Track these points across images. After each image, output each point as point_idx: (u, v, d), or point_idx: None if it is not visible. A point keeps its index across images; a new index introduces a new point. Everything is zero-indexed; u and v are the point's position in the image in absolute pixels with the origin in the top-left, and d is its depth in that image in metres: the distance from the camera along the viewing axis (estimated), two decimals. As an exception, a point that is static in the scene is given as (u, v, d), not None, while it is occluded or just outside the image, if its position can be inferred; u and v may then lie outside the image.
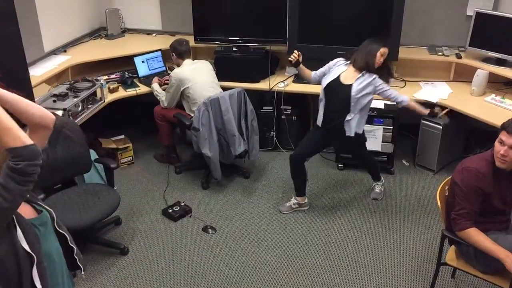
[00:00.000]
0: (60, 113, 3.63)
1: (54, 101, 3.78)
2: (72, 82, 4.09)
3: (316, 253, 3.49)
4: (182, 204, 4.02)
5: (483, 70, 4.18)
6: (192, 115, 4.10)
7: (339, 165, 4.56)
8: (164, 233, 3.76)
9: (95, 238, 3.64)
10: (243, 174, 4.45)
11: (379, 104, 4.29)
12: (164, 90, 4.36)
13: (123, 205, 3.82)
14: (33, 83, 3.58)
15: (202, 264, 3.44)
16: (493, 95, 4.16)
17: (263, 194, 4.19)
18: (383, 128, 4.28)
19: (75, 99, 3.85)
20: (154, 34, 5.23)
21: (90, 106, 4.05)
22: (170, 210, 3.95)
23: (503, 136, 2.50)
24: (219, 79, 4.33)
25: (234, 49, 4.74)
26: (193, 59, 4.39)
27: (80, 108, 3.92)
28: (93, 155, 3.87)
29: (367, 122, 4.31)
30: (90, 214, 3.24)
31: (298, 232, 3.72)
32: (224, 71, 4.54)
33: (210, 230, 3.78)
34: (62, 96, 3.82)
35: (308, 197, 3.94)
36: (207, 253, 3.54)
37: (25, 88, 3.33)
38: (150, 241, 3.67)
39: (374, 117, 4.30)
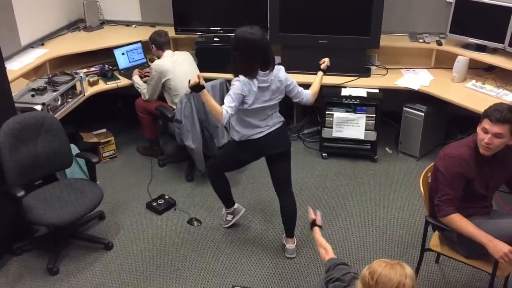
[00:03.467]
0: (39, 108, 3.56)
1: (33, 95, 3.71)
2: (50, 76, 4.01)
3: (302, 242, 3.49)
4: (167, 197, 3.99)
5: (463, 57, 4.21)
6: (174, 107, 4.06)
7: (323, 154, 4.56)
8: (149, 226, 3.73)
9: (79, 233, 3.60)
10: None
11: (361, 92, 4.30)
12: (145, 82, 4.30)
13: (107, 199, 3.78)
14: (10, 77, 3.50)
15: (188, 256, 3.42)
16: (473, 81, 4.20)
17: (248, 185, 4.18)
18: (366, 116, 4.29)
19: (54, 93, 3.78)
20: (133, 26, 5.15)
21: (70, 100, 3.99)
22: (155, 203, 3.92)
23: (486, 124, 2.52)
24: (201, 70, 4.29)
25: (215, 39, 4.70)
26: (174, 50, 4.34)
27: (59, 102, 3.85)
28: (74, 149, 3.82)
29: (350, 110, 4.35)
30: (72, 210, 3.19)
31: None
32: (205, 62, 4.50)
33: (195, 222, 3.77)
34: (40, 91, 3.75)
35: (293, 187, 3.80)
36: (193, 246, 3.52)
37: (2, 83, 3.25)
38: (134, 235, 3.64)
39: (357, 105, 4.31)
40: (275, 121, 3.17)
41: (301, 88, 3.23)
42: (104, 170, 4.33)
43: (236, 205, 3.67)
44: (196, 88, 2.86)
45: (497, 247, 2.43)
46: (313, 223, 2.65)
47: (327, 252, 2.42)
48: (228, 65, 3.06)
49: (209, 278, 3.23)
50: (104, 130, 4.61)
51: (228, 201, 3.63)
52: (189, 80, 2.88)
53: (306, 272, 3.27)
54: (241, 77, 2.95)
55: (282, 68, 3.12)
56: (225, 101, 2.94)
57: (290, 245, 3.39)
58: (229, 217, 3.68)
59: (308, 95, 3.25)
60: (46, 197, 3.29)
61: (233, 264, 3.34)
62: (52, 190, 3.36)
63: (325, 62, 3.39)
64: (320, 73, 3.37)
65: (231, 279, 3.22)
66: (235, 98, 2.92)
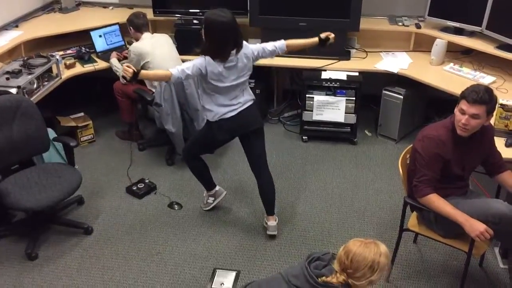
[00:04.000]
0: (14, 91, 3.48)
1: (7, 78, 3.61)
2: (25, 58, 3.91)
3: (283, 224, 3.52)
4: (147, 181, 3.97)
5: (441, 40, 4.25)
6: (154, 90, 4.02)
7: (303, 137, 4.58)
8: (129, 210, 3.70)
9: (57, 218, 3.56)
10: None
11: (341, 75, 4.31)
12: (123, 65, 4.23)
13: (85, 184, 3.73)
14: (-17, 60, 3.42)
15: (169, 240, 3.41)
16: (451, 64, 4.24)
17: (228, 169, 4.17)
18: (346, 100, 4.31)
19: (30, 76, 3.70)
20: (110, 7, 5.05)
21: (46, 83, 3.90)
22: (135, 188, 3.89)
23: (463, 105, 2.55)
24: (180, 53, 4.23)
25: (194, 21, 4.64)
26: (152, 33, 4.27)
27: (35, 86, 3.77)
28: (52, 134, 3.76)
29: (330, 94, 4.36)
30: (50, 194, 3.15)
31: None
32: (184, 44, 4.44)
33: (176, 206, 3.76)
34: (15, 73, 3.66)
35: (273, 170, 3.81)
36: (173, 229, 3.52)
37: (-26, 65, 3.17)
38: (114, 219, 3.61)
39: (336, 88, 4.32)
40: (247, 98, 3.17)
41: (270, 44, 3.21)
42: (82, 154, 4.27)
43: (217, 188, 3.66)
44: (135, 76, 2.85)
45: (473, 226, 2.48)
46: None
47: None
48: (197, 48, 3.04)
49: (191, 261, 3.24)
50: (82, 114, 4.54)
51: (208, 184, 3.62)
52: (123, 77, 2.87)
53: (287, 254, 3.29)
54: (207, 58, 2.96)
55: (247, 44, 3.11)
56: (182, 64, 3.01)
57: (272, 222, 3.41)
58: (210, 200, 3.68)
59: (281, 45, 3.23)
60: (23, 181, 3.24)
61: (214, 247, 3.35)
62: (29, 175, 3.31)
63: (328, 34, 3.31)
64: (315, 38, 3.31)
65: (212, 261, 3.23)
66: (192, 68, 2.97)
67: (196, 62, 2.98)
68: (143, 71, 2.94)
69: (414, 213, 2.97)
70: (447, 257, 3.24)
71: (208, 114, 3.15)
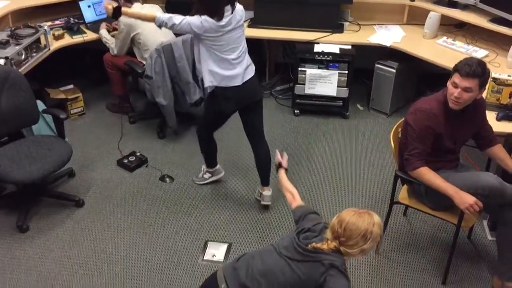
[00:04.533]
0: (2, 62, 3.41)
1: (-5, 49, 3.55)
2: (13, 28, 3.83)
3: (274, 198, 3.52)
4: (138, 154, 3.95)
5: (435, 13, 4.21)
6: (144, 62, 3.96)
7: (295, 111, 4.56)
8: (120, 183, 3.69)
9: (48, 191, 3.55)
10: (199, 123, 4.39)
11: (334, 48, 4.28)
12: (113, 36, 4.16)
13: (76, 156, 3.70)
14: (-31, 30, 3.34)
15: (160, 213, 3.42)
16: (444, 38, 4.22)
17: (220, 142, 4.13)
18: (338, 73, 4.28)
19: (18, 47, 3.63)
20: (99, -23, 4.93)
21: (34, 54, 3.83)
22: (126, 161, 3.87)
23: (456, 78, 2.54)
24: (171, 24, 4.16)
25: (185, -8, 4.55)
26: (143, 3, 4.19)
27: (23, 57, 3.70)
28: (41, 106, 3.70)
29: (323, 67, 4.33)
30: (40, 167, 3.13)
31: (256, 179, 3.72)
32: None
33: (167, 179, 3.75)
34: (3, 44, 3.59)
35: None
36: (165, 202, 3.52)
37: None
38: (106, 192, 3.61)
39: (329, 62, 4.29)
40: (249, 64, 3.15)
41: None
42: (72, 127, 4.23)
43: (218, 166, 3.67)
44: (116, 12, 2.85)
45: (463, 198, 2.51)
46: (279, 166, 2.57)
47: (294, 197, 2.37)
48: (192, 10, 2.98)
49: (182, 233, 3.25)
50: (72, 86, 4.47)
51: (211, 162, 3.63)
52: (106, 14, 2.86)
53: (278, 226, 3.32)
54: (203, 16, 2.91)
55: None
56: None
57: (266, 192, 3.42)
58: (207, 175, 3.68)
59: None
60: (12, 154, 3.20)
61: (206, 220, 3.37)
62: (19, 147, 3.27)
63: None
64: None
65: (204, 234, 3.25)
66: (183, 22, 2.94)
67: (189, 19, 2.92)
68: (125, 9, 2.90)
69: (405, 186, 2.99)
70: (436, 229, 3.28)
71: (214, 79, 3.07)
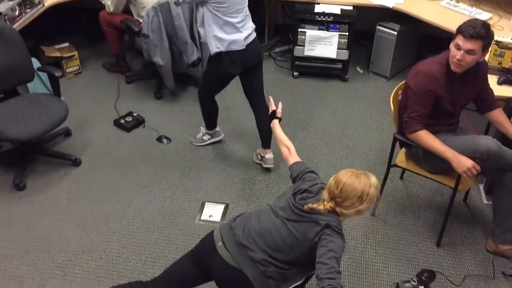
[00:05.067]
0: (-6, 17, 3.34)
1: (-13, 4, 3.46)
2: (5, -17, 3.72)
3: (275, 155, 3.52)
4: (135, 114, 3.92)
5: (439, -26, 4.11)
6: (141, 20, 3.87)
7: (294, 73, 4.51)
8: (117, 143, 3.68)
9: (45, 150, 3.53)
10: (196, 84, 4.33)
11: (335, 9, 4.19)
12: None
13: (72, 116, 3.66)
14: (-40, -17, 3.24)
15: (158, 173, 3.42)
16: None
17: (218, 103, 4.12)
18: (339, 35, 4.21)
19: (11, 2, 3.53)
20: None
21: (28, 10, 3.73)
22: (122, 121, 3.84)
23: (459, 40, 2.49)
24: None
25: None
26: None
27: (17, 13, 3.61)
28: (36, 64, 3.64)
29: (323, 28, 4.24)
30: (37, 125, 3.10)
31: (253, 141, 3.71)
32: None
33: (164, 140, 3.73)
34: (-5, -1, 3.50)
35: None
36: (162, 163, 3.51)
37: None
38: (103, 152, 3.59)
39: (330, 23, 4.21)
40: (251, 25, 3.10)
41: None
42: (68, 86, 4.18)
43: (217, 128, 3.65)
44: None
45: (461, 162, 2.50)
46: (273, 115, 2.51)
47: (290, 152, 2.33)
48: None
49: (179, 194, 3.26)
50: (67, 44, 4.39)
51: (212, 124, 3.61)
52: None
53: (275, 188, 3.33)
54: None
55: None
56: None
57: (269, 155, 3.41)
58: (206, 137, 3.66)
59: None
60: (8, 111, 3.17)
61: (203, 181, 3.37)
62: (15, 105, 3.24)
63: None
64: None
65: (201, 195, 3.26)
66: None
67: None
68: None
69: (403, 149, 2.98)
70: (432, 192, 3.30)
71: (220, 45, 3.00)
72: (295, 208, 2.00)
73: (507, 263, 2.81)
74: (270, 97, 2.62)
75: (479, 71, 2.69)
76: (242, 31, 3.02)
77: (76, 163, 3.44)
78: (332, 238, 1.92)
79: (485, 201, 3.22)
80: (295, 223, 1.99)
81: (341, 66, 4.41)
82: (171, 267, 2.21)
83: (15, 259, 2.77)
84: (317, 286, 1.79)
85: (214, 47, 3.01)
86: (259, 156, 3.49)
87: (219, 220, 3.07)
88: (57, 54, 4.27)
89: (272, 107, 2.55)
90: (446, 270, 2.77)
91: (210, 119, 3.58)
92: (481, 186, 3.31)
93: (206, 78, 3.39)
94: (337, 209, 1.97)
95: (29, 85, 3.58)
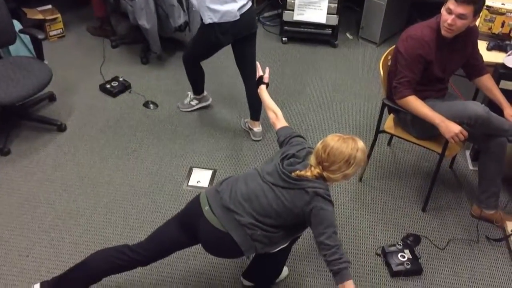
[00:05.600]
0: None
1: (-36, -38, 3.32)
2: None
3: (263, 126, 3.51)
4: (121, 79, 3.85)
5: None
6: (126, -18, 3.77)
7: (283, 39, 4.45)
8: (103, 109, 3.62)
9: (29, 114, 3.47)
10: (183, 48, 4.26)
11: (325, -28, 4.12)
12: None
13: (56, 80, 3.59)
14: None
15: (145, 139, 3.39)
16: (440, -35, 4.07)
17: (206, 68, 4.05)
18: (329, -1, 4.16)
19: (-11, -39, 3.40)
20: None
21: (8, -30, 3.60)
22: (108, 86, 3.78)
23: (451, 4, 2.45)
24: None
25: None
26: None
27: (-4, -28, 3.48)
28: (17, 26, 3.54)
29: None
30: (20, 89, 3.03)
31: (242, 107, 3.68)
32: None
33: (151, 105, 3.69)
34: (-27, -43, 3.36)
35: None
36: (149, 128, 3.48)
37: None
38: (88, 117, 3.54)
39: (319, -13, 4.14)
40: None
41: None
42: (51, 50, 4.08)
43: (205, 93, 3.60)
44: None
45: (449, 127, 2.50)
46: (260, 81, 2.47)
47: (278, 117, 2.30)
48: None
49: (167, 159, 3.24)
50: (50, 6, 4.27)
51: (199, 89, 3.56)
52: None
53: (263, 154, 3.32)
54: None
55: None
56: None
57: (258, 128, 3.39)
58: (194, 102, 3.62)
59: None
60: (-11, 75, 3.09)
61: (190, 146, 3.35)
62: (-4, 68, 3.16)
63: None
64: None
65: (189, 160, 3.24)
66: None
67: None
68: None
69: (391, 115, 2.97)
70: (419, 159, 3.32)
71: (213, 16, 2.93)
72: (283, 174, 1.99)
73: (491, 227, 2.86)
74: (257, 63, 2.58)
75: (469, 36, 2.67)
76: (236, 1, 2.94)
77: (61, 128, 3.39)
78: (323, 207, 1.93)
79: (471, 167, 3.25)
80: (283, 189, 1.99)
81: (330, 31, 4.36)
82: (157, 231, 2.21)
83: (0, 224, 2.75)
84: (327, 266, 1.91)
85: (207, 18, 2.93)
86: (247, 125, 3.47)
87: (207, 186, 3.07)
88: (40, 16, 4.16)
89: (259, 72, 2.51)
90: (431, 234, 2.81)
91: (197, 84, 3.53)
92: (468, 152, 3.33)
93: (194, 45, 3.30)
94: (324, 173, 1.96)
95: (11, 48, 3.49)
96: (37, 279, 2.44)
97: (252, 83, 3.26)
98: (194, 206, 2.11)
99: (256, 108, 3.35)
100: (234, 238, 1.99)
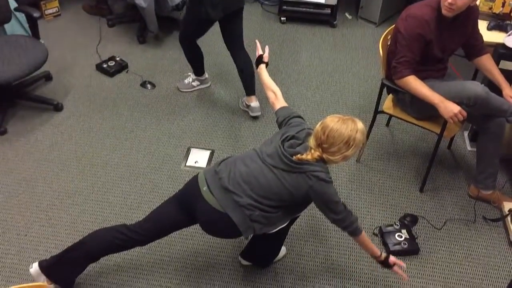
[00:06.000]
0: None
1: None
2: None
3: (264, 100, 3.49)
4: (117, 59, 3.81)
5: None
6: (122, -41, 3.71)
7: (282, 19, 4.41)
8: (100, 88, 3.60)
9: (25, 94, 3.45)
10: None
11: (324, -49, 4.06)
12: None
13: (52, 59, 3.57)
14: None
15: (142, 119, 3.37)
16: None
17: (203, 47, 4.02)
18: (328, -22, 4.10)
19: None
20: None
21: None
22: (105, 65, 3.74)
23: (451, -17, 2.42)
24: None
25: None
26: None
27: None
28: (12, 4, 3.48)
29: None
30: (15, 67, 3.00)
31: (240, 87, 3.65)
32: None
33: (148, 85, 3.66)
34: None
35: (249, 52, 3.70)
36: (147, 108, 3.46)
37: None
38: (85, 97, 3.51)
39: (319, -35, 4.08)
40: None
41: None
42: (47, 29, 4.04)
43: (206, 75, 3.58)
44: None
45: (448, 108, 2.49)
46: (259, 60, 2.44)
47: (277, 97, 2.29)
48: None
49: (165, 139, 3.23)
50: (45, -16, 4.21)
51: (199, 70, 3.53)
52: None
53: (261, 134, 3.31)
54: None
55: None
56: None
57: (254, 103, 3.37)
58: (196, 83, 3.60)
59: None
60: (-15, 53, 3.06)
61: (188, 126, 3.33)
62: (-9, 47, 3.12)
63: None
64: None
65: (186, 140, 3.23)
66: None
67: None
68: None
69: (390, 95, 2.96)
70: (417, 139, 3.31)
71: None
72: (285, 157, 1.98)
73: (488, 207, 2.87)
74: (257, 41, 2.55)
75: (469, 16, 2.64)
76: None
77: (58, 108, 3.36)
78: (326, 191, 1.97)
79: (469, 148, 3.25)
80: (285, 172, 1.98)
81: (329, 11, 4.31)
82: (155, 211, 2.21)
83: (-2, 204, 2.75)
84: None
85: None
86: (244, 103, 3.45)
87: (205, 166, 3.06)
88: (35, -6, 4.10)
89: (258, 51, 2.49)
90: (428, 215, 2.82)
91: (197, 64, 3.50)
92: (466, 133, 3.33)
93: (186, 22, 3.27)
94: (324, 155, 1.96)
95: (6, 26, 3.44)
96: (36, 258, 2.45)
97: (240, 59, 3.25)
98: (192, 186, 2.11)
99: (248, 83, 3.34)
100: (232, 218, 1.99)
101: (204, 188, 2.05)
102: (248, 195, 2.00)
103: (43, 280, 2.24)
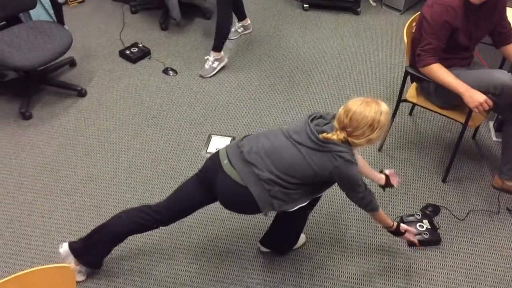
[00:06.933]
0: None
1: None
2: None
3: (279, 94, 3.48)
4: (140, 45, 3.84)
5: None
6: None
7: (304, 5, 4.36)
8: (123, 74, 3.63)
9: (50, 79, 3.49)
10: (203, 15, 4.21)
11: None
12: None
13: (76, 46, 3.61)
14: None
15: (164, 105, 3.39)
16: None
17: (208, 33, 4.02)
18: (352, -36, 4.04)
19: None
20: None
21: None
22: (128, 52, 3.77)
23: (479, -32, 2.36)
24: None
25: None
26: None
27: None
28: (38, -10, 3.53)
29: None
30: (41, 54, 3.04)
31: (262, 74, 3.65)
32: None
33: (171, 72, 3.67)
34: None
35: (269, 41, 3.69)
36: (168, 95, 3.47)
37: None
38: (108, 83, 3.55)
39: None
40: None
41: None
42: (71, 15, 4.08)
43: (223, 52, 3.61)
44: None
45: (473, 97, 2.44)
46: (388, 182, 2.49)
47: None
48: None
49: (186, 126, 3.24)
50: (70, -29, 4.25)
51: (222, 44, 3.57)
52: None
53: (282, 122, 3.30)
54: None
55: None
56: None
57: (248, 22, 3.97)
58: (215, 64, 3.62)
59: None
60: (11, 39, 3.10)
61: (210, 113, 3.34)
62: (18, 33, 3.16)
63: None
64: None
65: (207, 127, 3.24)
66: None
67: None
68: None
69: (414, 84, 2.92)
70: (441, 129, 3.26)
71: None
72: (312, 135, 1.95)
73: (512, 199, 2.82)
74: (393, 172, 2.53)
75: (497, 2, 2.57)
76: None
77: (81, 93, 3.41)
78: (350, 173, 1.96)
79: (494, 138, 3.19)
80: (311, 150, 1.95)
81: (353, -2, 4.25)
82: (177, 189, 2.21)
83: (23, 186, 2.81)
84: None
85: None
86: (241, 29, 3.83)
87: (226, 153, 3.07)
88: (60, -19, 4.13)
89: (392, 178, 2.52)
90: (451, 205, 2.78)
91: (224, 35, 3.54)
92: (491, 123, 3.26)
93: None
94: (349, 139, 1.94)
95: (32, 12, 3.49)
96: (60, 240, 2.50)
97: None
98: (213, 161, 2.10)
99: (239, 11, 3.83)
100: (252, 192, 1.97)
101: (225, 161, 2.04)
102: (269, 170, 1.98)
103: (71, 260, 2.28)
